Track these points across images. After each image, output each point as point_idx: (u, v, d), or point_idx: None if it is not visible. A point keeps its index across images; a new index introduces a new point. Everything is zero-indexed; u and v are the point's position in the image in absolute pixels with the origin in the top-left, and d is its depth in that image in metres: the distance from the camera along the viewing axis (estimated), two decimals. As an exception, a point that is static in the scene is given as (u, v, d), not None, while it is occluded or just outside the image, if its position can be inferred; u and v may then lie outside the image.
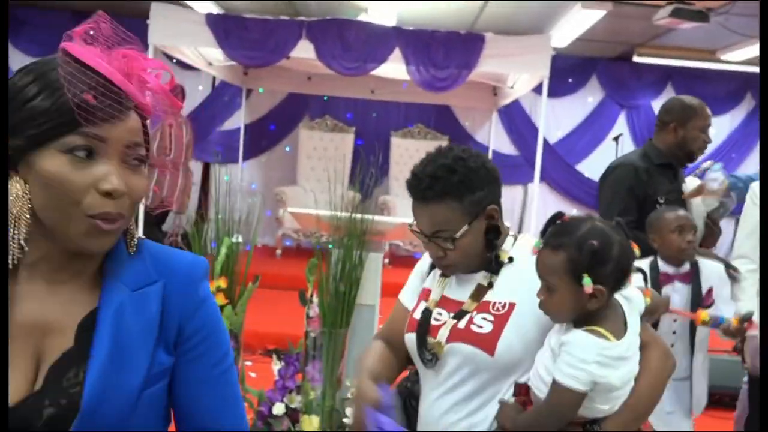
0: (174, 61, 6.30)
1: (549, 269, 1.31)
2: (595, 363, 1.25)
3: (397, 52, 5.30)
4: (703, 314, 2.32)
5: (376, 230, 2.97)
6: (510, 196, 7.68)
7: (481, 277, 1.47)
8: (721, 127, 7.78)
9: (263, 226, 8.08)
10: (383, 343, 1.63)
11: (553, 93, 6.71)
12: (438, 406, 1.44)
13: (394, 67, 5.66)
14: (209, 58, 6.44)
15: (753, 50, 6.36)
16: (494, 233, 1.47)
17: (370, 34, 5.34)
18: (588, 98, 8.00)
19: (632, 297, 1.38)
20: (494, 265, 1.47)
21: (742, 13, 5.35)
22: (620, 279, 1.31)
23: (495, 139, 8.00)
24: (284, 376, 2.61)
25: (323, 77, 7.02)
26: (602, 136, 7.86)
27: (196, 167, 7.91)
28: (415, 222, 1.47)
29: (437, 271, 1.57)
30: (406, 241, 7.08)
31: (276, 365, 2.67)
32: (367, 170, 7.02)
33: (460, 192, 1.42)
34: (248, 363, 3.71)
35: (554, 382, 1.28)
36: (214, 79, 7.69)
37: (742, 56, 6.64)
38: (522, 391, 1.37)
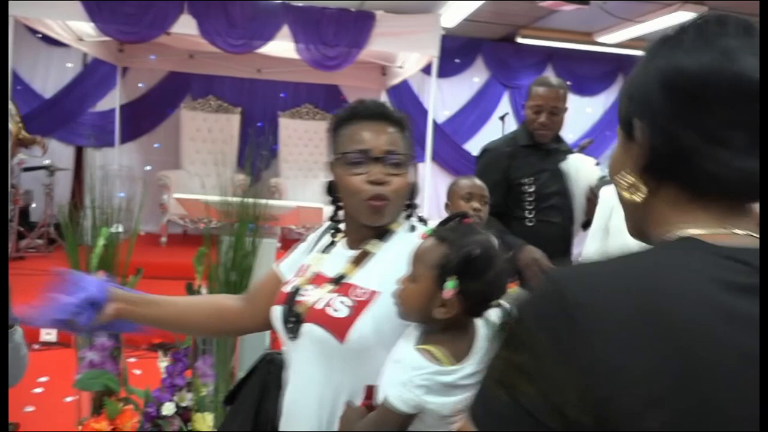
0: (39, 35, 5.79)
1: (422, 257, 1.21)
2: (421, 387, 1.13)
3: (285, 30, 5.13)
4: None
5: (270, 215, 2.83)
6: (401, 176, 7.69)
7: (368, 245, 1.39)
8: (596, 107, 8.16)
9: (146, 213, 7.65)
10: (232, 300, 1.60)
11: (441, 73, 6.75)
12: (295, 387, 1.38)
13: (282, 46, 5.48)
14: (79, 32, 5.95)
15: (627, 33, 6.69)
16: (412, 194, 1.42)
17: (256, 11, 5.12)
18: (474, 78, 8.14)
19: (491, 320, 1.25)
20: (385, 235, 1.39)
21: (619, -3, 5.59)
22: (481, 303, 1.19)
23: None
24: (172, 373, 2.44)
25: (207, 55, 6.70)
26: (488, 115, 8.04)
27: (66, 152, 7.35)
28: (354, 147, 1.34)
29: (319, 247, 1.49)
30: (300, 225, 6.94)
31: (162, 362, 2.50)
32: (256, 152, 6.82)
33: (405, 126, 1.39)
34: (132, 360, 3.48)
35: (384, 398, 1.17)
36: (85, 55, 7.13)
37: (616, 39, 6.96)
38: (369, 394, 1.25)
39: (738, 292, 0.64)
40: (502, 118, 7.01)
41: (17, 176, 6.16)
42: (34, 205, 6.90)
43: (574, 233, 2.93)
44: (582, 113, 8.08)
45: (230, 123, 7.57)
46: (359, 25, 5.15)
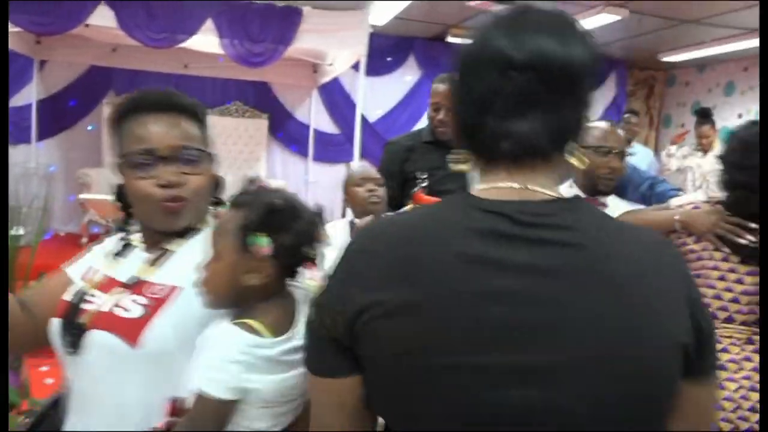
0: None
1: (221, 229, 1.09)
2: (237, 363, 1.00)
3: (209, 24, 4.98)
4: None
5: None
6: (332, 174, 7.63)
7: (169, 245, 1.20)
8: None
9: (67, 213, 7.35)
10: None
11: (373, 71, 6.72)
12: (79, 415, 1.14)
13: (209, 40, 5.32)
14: (-10, 22, 5.64)
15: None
16: (218, 189, 1.28)
17: (179, 3, 4.95)
18: (406, 77, 8.14)
19: (311, 289, 1.14)
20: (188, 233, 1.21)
21: (544, -1, 5.67)
22: (294, 258, 1.09)
23: (316, 117, 7.89)
24: None
25: (130, 49, 6.45)
26: (420, 114, 8.05)
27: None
28: (138, 146, 1.14)
29: (111, 249, 1.26)
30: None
31: None
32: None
33: (200, 115, 1.22)
34: (44, 368, 3.29)
35: (197, 388, 1.01)
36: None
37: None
38: (173, 410, 1.05)
39: (490, 239, 0.76)
40: (433, 116, 7.02)
41: None
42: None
43: None
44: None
45: (156, 119, 7.33)
46: (286, 20, 5.05)
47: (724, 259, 1.81)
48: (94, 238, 6.72)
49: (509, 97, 0.79)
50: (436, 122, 2.86)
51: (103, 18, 4.85)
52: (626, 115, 6.11)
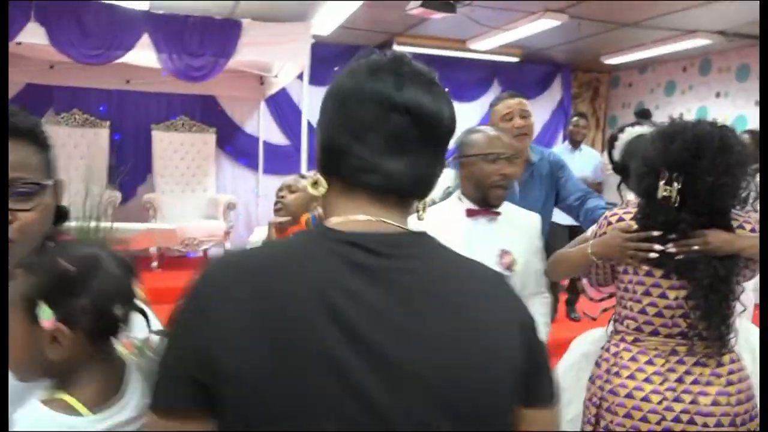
0: None
1: (10, 299, 0.95)
2: None
3: (146, 39, 4.88)
4: None
5: (117, 238, 2.65)
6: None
7: None
8: (473, 113, 8.28)
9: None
10: None
11: (319, 80, 6.66)
12: None
13: (148, 55, 5.21)
14: None
15: (497, 40, 6.86)
16: (59, 219, 1.11)
17: (114, 18, 4.84)
18: (354, 86, 8.11)
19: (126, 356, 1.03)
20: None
21: (486, 6, 5.72)
22: (104, 320, 0.96)
23: (264, 129, 7.80)
24: None
25: (68, 66, 6.27)
26: (370, 123, 8.04)
27: None
28: None
29: None
30: (179, 244, 6.63)
31: None
32: (127, 168, 6.46)
33: (40, 139, 1.05)
34: None
35: None
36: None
37: (487, 46, 7.13)
38: None
39: (350, 269, 0.78)
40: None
41: None
42: None
43: None
44: (463, 118, 8.20)
45: (99, 137, 7.14)
46: (225, 33, 4.99)
47: (648, 274, 1.81)
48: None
49: (385, 135, 0.84)
50: None
51: (34, 36, 4.70)
52: (575, 119, 6.18)
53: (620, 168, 2.38)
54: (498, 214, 2.14)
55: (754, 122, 6.75)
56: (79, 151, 7.02)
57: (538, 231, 2.26)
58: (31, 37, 4.70)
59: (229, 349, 0.75)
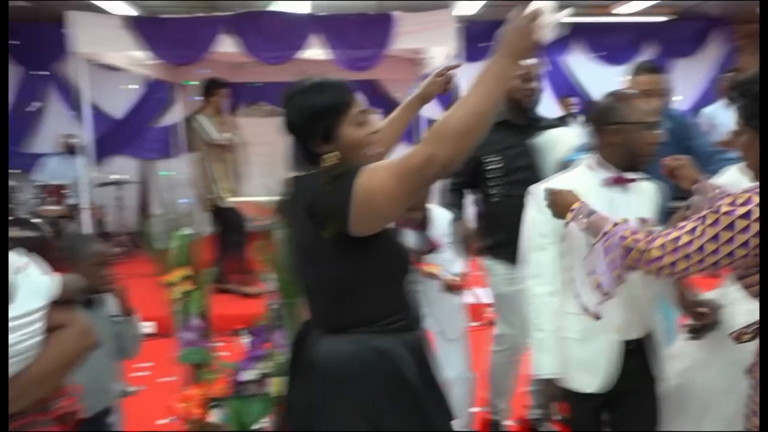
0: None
1: None
2: None
3: (314, 38, 5.67)
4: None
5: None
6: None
7: None
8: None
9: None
10: None
11: (472, 58, 7.04)
12: None
13: (317, 52, 6.01)
14: (137, 57, 6.66)
15: (642, 3, 6.91)
16: None
17: (286, 24, 5.69)
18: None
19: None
20: None
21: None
22: None
23: (425, 107, 8.35)
24: (254, 345, 2.75)
25: (252, 65, 7.29)
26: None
27: (134, 165, 8.25)
28: None
29: None
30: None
31: (245, 339, 2.78)
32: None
33: None
34: (220, 344, 3.72)
35: None
36: (145, 76, 7.93)
37: (633, 8, 7.20)
38: None
39: None
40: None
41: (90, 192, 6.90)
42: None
43: None
44: (611, 82, 8.24)
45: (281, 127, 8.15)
46: (380, 26, 5.62)
47: None
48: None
49: None
50: (526, 91, 2.94)
51: (225, 45, 5.68)
52: (730, 74, 5.99)
53: None
54: (633, 181, 2.08)
55: None
56: (268, 138, 8.06)
57: (659, 200, 2.21)
58: (224, 46, 5.68)
59: None
